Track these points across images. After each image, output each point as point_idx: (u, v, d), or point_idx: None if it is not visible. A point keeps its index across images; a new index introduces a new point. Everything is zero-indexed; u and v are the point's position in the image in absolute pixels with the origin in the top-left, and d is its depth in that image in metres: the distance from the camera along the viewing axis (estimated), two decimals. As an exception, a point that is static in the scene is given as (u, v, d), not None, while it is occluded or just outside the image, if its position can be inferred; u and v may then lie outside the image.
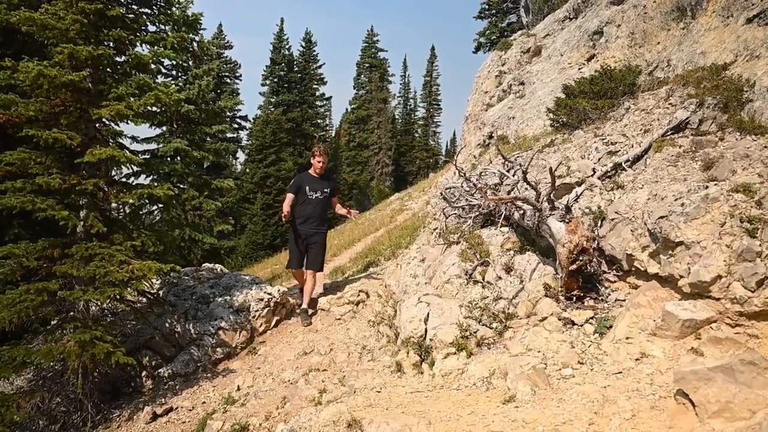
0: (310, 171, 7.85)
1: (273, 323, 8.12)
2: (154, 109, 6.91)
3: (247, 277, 8.98)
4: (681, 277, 4.08)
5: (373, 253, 13.58)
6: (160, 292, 7.78)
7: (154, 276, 6.45)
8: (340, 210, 8.17)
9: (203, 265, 9.73)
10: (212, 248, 15.33)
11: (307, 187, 7.67)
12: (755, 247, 3.73)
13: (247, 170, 42.92)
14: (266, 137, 41.32)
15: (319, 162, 7.74)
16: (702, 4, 8.28)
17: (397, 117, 61.20)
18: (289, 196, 7.57)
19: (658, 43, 9.77)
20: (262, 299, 8.01)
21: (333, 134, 60.91)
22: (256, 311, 7.89)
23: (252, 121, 43.41)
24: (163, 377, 6.85)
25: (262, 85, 47.01)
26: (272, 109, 45.00)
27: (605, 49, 12.31)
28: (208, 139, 15.92)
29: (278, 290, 8.44)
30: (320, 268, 7.99)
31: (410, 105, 62.74)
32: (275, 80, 46.49)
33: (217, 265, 9.67)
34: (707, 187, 4.37)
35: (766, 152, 4.68)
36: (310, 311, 7.91)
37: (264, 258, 30.37)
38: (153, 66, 7.25)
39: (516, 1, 31.38)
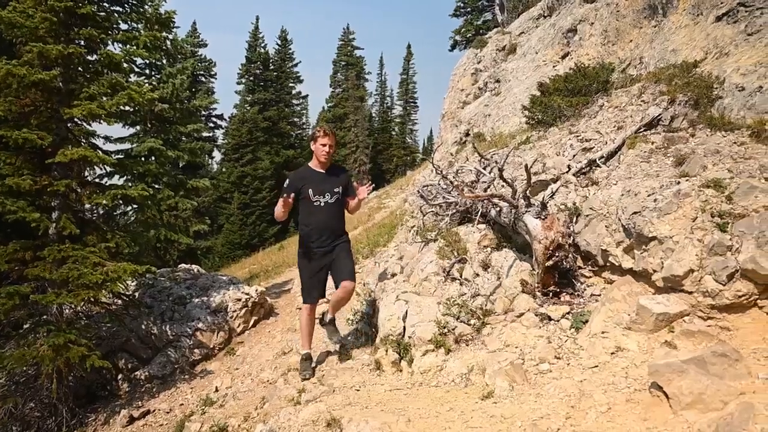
0: (311, 164, 5.59)
1: (251, 323, 8.08)
2: (127, 108, 6.82)
3: (224, 278, 8.92)
4: (654, 271, 4.15)
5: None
6: (136, 294, 7.69)
7: (129, 278, 6.38)
8: (355, 203, 5.78)
9: (179, 265, 9.65)
10: (189, 249, 15.17)
11: (311, 190, 5.41)
12: (726, 242, 3.80)
13: (224, 169, 42.55)
14: (242, 136, 41.01)
15: (324, 147, 5.44)
16: (673, 3, 8.41)
17: (374, 115, 61.20)
18: (284, 199, 5.24)
19: (631, 41, 9.90)
20: (239, 299, 7.97)
21: (310, 132, 60.68)
22: (234, 311, 7.85)
23: (228, 119, 43.00)
24: (139, 380, 6.77)
25: (238, 83, 46.70)
26: (248, 108, 44.68)
27: (579, 47, 12.45)
28: (184, 138, 15.75)
29: (256, 290, 8.40)
30: (353, 276, 5.56)
31: (387, 103, 62.79)
32: (251, 78, 46.17)
33: (193, 266, 9.59)
34: (679, 182, 4.44)
35: (736, 148, 4.78)
36: (336, 337, 5.95)
37: (241, 258, 30.14)
38: (125, 65, 7.13)
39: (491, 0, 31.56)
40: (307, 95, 53.58)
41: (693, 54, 6.95)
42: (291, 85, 49.39)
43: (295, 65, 49.64)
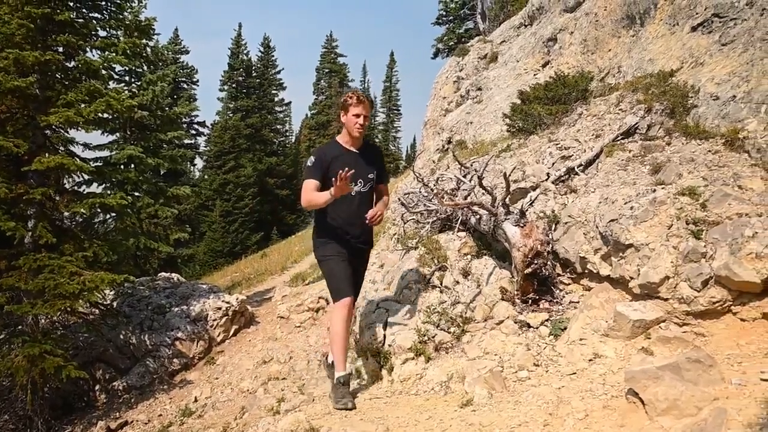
0: (340, 140, 4.51)
1: (232, 332, 8.03)
2: (106, 115, 6.77)
3: (204, 286, 8.86)
4: (631, 278, 4.19)
5: (333, 259, 13.49)
6: (114, 303, 7.61)
7: (107, 287, 6.32)
8: (385, 200, 4.81)
9: (159, 274, 9.57)
10: (169, 257, 15.03)
11: (341, 171, 4.05)
12: (700, 248, 3.85)
13: (206, 177, 42.33)
14: (225, 143, 40.84)
15: (357, 119, 4.33)
16: (650, 13, 8.52)
17: (357, 122, 61.12)
18: (311, 184, 4.27)
19: (610, 50, 10.01)
20: (220, 308, 7.92)
21: (293, 140, 60.55)
22: (215, 320, 7.80)
23: (210, 126, 42.91)
24: (117, 390, 6.69)
25: (221, 90, 46.55)
26: (231, 115, 44.54)
27: (559, 56, 12.56)
28: (164, 145, 15.63)
29: (237, 298, 8.36)
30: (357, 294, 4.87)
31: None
32: (233, 85, 46.04)
33: (173, 275, 9.52)
34: (655, 190, 4.49)
35: (710, 156, 4.85)
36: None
37: (223, 266, 29.98)
38: (104, 72, 7.08)
39: (473, 8, 31.82)
40: (290, 102, 53.69)
41: (669, 63, 7.04)
42: (274, 92, 49.32)
43: (278, 72, 49.61)
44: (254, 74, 47.60)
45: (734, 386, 2.99)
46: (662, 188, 4.51)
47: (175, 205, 14.46)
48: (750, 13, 5.92)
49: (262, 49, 49.30)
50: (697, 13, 6.96)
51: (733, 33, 6.04)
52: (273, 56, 49.42)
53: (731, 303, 3.72)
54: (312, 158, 4.39)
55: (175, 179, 26.85)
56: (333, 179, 4.08)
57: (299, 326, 7.63)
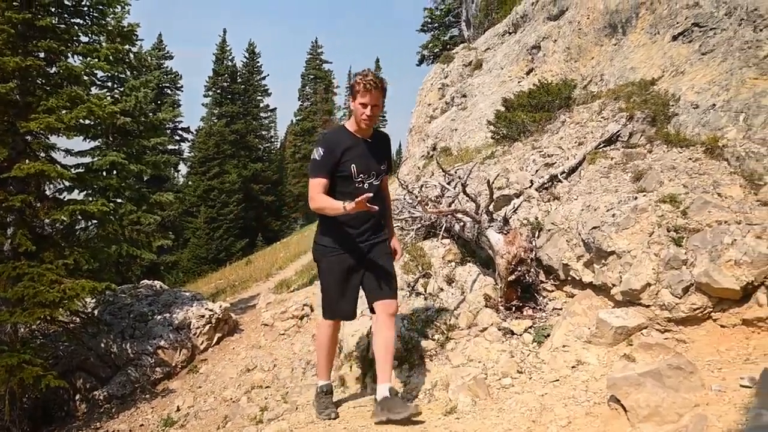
0: (348, 126, 3.96)
1: (215, 340, 7.96)
2: (87, 121, 6.71)
3: (187, 294, 8.78)
4: (613, 285, 4.21)
5: (319, 265, 13.46)
6: (95, 312, 7.52)
7: (88, 295, 6.25)
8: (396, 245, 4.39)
9: (141, 281, 9.48)
10: (152, 264, 14.90)
11: (354, 166, 3.83)
12: (681, 256, 3.88)
13: (190, 183, 42.01)
14: (209, 149, 40.60)
15: (365, 110, 3.76)
16: (632, 22, 8.62)
17: (343, 129, 61.21)
18: (321, 183, 3.78)
19: (592, 58, 10.11)
20: (203, 316, 7.85)
21: (278, 146, 60.40)
22: (197, 328, 7.73)
23: (194, 132, 42.66)
24: (98, 400, 6.60)
25: (205, 96, 46.24)
26: (215, 121, 44.29)
27: (543, 63, 12.66)
28: (147, 152, 15.52)
29: (220, 306, 8.29)
30: (395, 293, 4.17)
31: (355, 117, 62.91)
32: (218, 91, 45.82)
33: (156, 282, 9.43)
34: (636, 197, 4.53)
35: (691, 164, 4.90)
36: (394, 391, 3.95)
37: (208, 273, 29.77)
38: (86, 78, 7.03)
39: (457, 16, 32.01)
40: (276, 108, 53.48)
41: (650, 72, 7.12)
42: (259, 98, 49.19)
43: (263, 78, 49.51)
44: (239, 80, 47.44)
45: (714, 392, 3.02)
46: (644, 195, 4.55)
47: (158, 212, 14.35)
48: (729, 23, 6.01)
49: (247, 55, 49.21)
50: (677, 23, 7.05)
51: (713, 42, 6.12)
52: (258, 62, 49.32)
53: (711, 309, 3.76)
54: (320, 150, 3.80)
55: (158, 185, 26.69)
56: (345, 177, 3.76)
57: (283, 334, 7.57)
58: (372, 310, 4.11)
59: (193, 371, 7.17)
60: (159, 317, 7.67)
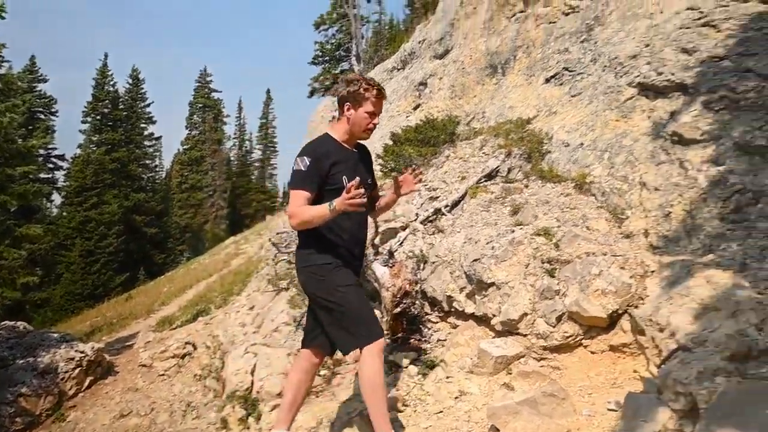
0: (333, 134, 3.43)
1: (86, 384, 7.37)
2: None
3: (55, 335, 8.09)
4: (494, 315, 4.35)
5: (204, 300, 12.97)
6: (-56, 358, 6.74)
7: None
8: (389, 199, 3.80)
9: (2, 323, 8.63)
10: (16, 303, 13.63)
11: (346, 178, 3.21)
12: (554, 286, 4.09)
13: (65, 214, 39.16)
14: (87, 178, 38.10)
15: (372, 120, 3.37)
16: (510, 64, 9.15)
17: (232, 159, 60.04)
18: (303, 196, 3.13)
19: (475, 96, 10.60)
20: (72, 358, 7.26)
21: (164, 175, 58.07)
22: (66, 372, 7.12)
23: (71, 160, 40.01)
24: (-56, 458, 5.88)
25: (83, 122, 43.50)
26: (94, 148, 41.74)
27: (430, 99, 13.11)
28: (14, 181, 14.31)
29: (92, 347, 7.71)
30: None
31: (246, 147, 61.92)
32: (98, 117, 43.29)
33: (19, 323, 8.61)
34: (514, 231, 4.74)
35: (563, 199, 5.21)
36: None
37: (84, 310, 27.67)
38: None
39: (348, 50, 32.64)
40: (161, 137, 51.32)
41: (527, 111, 7.56)
42: (143, 125, 47.10)
43: (148, 105, 47.52)
44: (121, 106, 45.20)
45: (585, 417, 3.17)
46: (520, 229, 4.77)
47: (25, 246, 13.19)
48: (594, 69, 6.53)
49: (130, 80, 47.06)
50: (550, 66, 7.57)
51: (581, 86, 6.61)
52: (142, 88, 47.30)
53: (582, 337, 3.97)
54: (306, 159, 3.20)
55: (28, 217, 24.68)
56: (336, 191, 3.08)
57: (163, 374, 7.15)
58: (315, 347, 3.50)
59: (60, 420, 6.58)
60: (21, 362, 7.00)
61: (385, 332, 4.88)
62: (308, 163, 3.18)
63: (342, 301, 3.22)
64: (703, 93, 4.59)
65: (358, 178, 2.99)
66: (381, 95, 3.34)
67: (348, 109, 3.33)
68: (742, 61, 4.51)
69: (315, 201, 3.14)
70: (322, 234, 3.27)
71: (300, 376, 3.53)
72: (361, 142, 3.54)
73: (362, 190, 2.92)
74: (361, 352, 3.16)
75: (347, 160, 3.33)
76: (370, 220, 4.16)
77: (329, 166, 3.21)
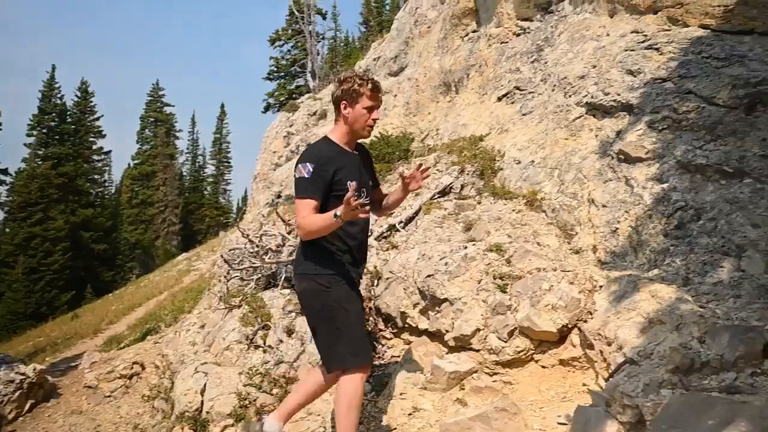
0: (333, 137, 3.30)
1: (27, 407, 7.03)
2: None
3: (-7, 356, 7.73)
4: (447, 331, 4.36)
5: (154, 318, 12.63)
6: None
7: None
8: (396, 198, 3.61)
9: (-64, 344, 8.20)
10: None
11: (350, 183, 3.02)
12: (506, 302, 4.13)
13: (7, 230, 37.68)
14: (32, 193, 36.79)
15: (372, 114, 3.23)
16: (464, 82, 9.30)
17: (185, 174, 59.00)
18: (310, 205, 3.04)
19: (429, 113, 10.72)
20: (12, 381, 6.92)
21: (113, 191, 56.61)
22: (5, 396, 6.78)
23: (14, 174, 38.60)
24: None
25: (28, 135, 42.06)
26: (40, 162, 40.38)
27: (385, 116, 13.20)
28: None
29: (34, 369, 7.37)
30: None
31: (199, 162, 60.91)
32: (44, 131, 41.96)
33: (-46, 344, 8.20)
34: (467, 247, 4.78)
35: (514, 215, 5.30)
36: None
37: (26, 330, 26.58)
38: None
39: (303, 66, 32.62)
40: (111, 151, 50.19)
41: (480, 129, 7.68)
42: (92, 139, 45.96)
43: (97, 119, 46.43)
44: (69, 120, 43.99)
45: (536, 432, 3.19)
46: (473, 245, 4.81)
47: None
48: (544, 88, 6.69)
49: (79, 93, 45.88)
50: (502, 85, 7.72)
51: (531, 105, 6.76)
52: (91, 102, 46.17)
53: (534, 351, 4.02)
54: (308, 165, 3.07)
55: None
56: (335, 190, 3.06)
57: (109, 396, 6.90)
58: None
59: (-2, 446, 6.26)
60: (-45, 385, 6.65)
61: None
62: (311, 170, 3.06)
63: (343, 319, 3.13)
64: (647, 113, 4.76)
65: (355, 183, 2.96)
66: (376, 89, 3.21)
67: (345, 108, 3.21)
68: (683, 83, 4.69)
69: (321, 206, 3.06)
70: (329, 242, 3.16)
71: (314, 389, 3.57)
72: (360, 141, 3.45)
73: (364, 200, 2.89)
74: (344, 373, 3.09)
75: (350, 163, 3.22)
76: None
77: (333, 171, 3.09)
